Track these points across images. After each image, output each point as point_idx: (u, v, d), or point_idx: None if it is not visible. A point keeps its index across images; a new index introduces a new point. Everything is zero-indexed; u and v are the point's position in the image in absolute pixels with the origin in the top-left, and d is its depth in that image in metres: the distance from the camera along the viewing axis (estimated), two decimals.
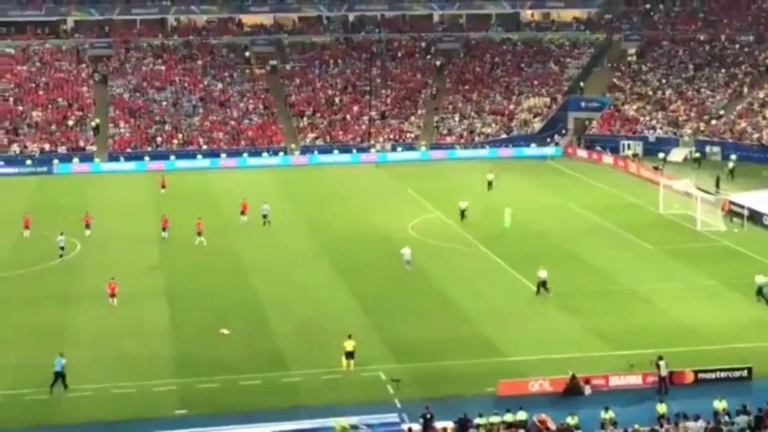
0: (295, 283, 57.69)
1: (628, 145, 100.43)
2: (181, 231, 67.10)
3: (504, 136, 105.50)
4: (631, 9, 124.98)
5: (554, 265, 59.23)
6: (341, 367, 44.07)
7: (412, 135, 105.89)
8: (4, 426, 39.71)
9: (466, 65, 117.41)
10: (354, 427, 38.41)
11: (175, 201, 79.80)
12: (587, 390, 41.98)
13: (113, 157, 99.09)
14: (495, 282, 57.32)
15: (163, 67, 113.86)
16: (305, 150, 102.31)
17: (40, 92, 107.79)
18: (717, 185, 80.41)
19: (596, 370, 43.28)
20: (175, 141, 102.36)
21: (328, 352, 45.65)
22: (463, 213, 71.05)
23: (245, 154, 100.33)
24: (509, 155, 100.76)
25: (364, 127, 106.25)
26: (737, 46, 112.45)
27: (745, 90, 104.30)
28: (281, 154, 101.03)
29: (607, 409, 38.41)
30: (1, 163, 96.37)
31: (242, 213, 72.29)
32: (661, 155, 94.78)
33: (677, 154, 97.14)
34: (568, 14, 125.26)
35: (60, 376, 42.35)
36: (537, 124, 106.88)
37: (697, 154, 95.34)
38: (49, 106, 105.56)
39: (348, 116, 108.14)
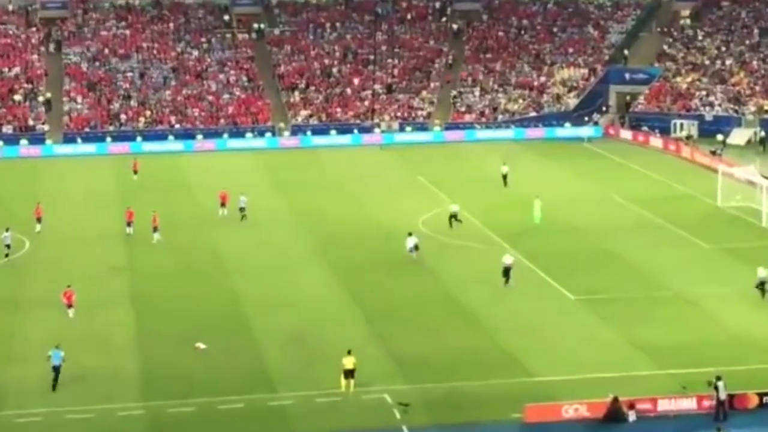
0: (285, 287, 57.73)
1: (681, 125, 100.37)
2: (149, 226, 67.14)
3: (533, 114, 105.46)
4: None
5: (592, 267, 59.22)
6: (339, 388, 44.07)
7: (424, 112, 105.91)
8: None
9: (488, 30, 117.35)
10: None
11: (143, 191, 79.82)
12: (631, 416, 41.97)
13: (69, 139, 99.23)
14: (521, 287, 57.23)
15: (128, 32, 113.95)
16: (296, 130, 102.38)
17: None
18: None
19: (642, 392, 43.25)
20: (143, 119, 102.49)
21: (323, 369, 45.64)
22: (452, 218, 68.47)
23: (225, 135, 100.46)
24: (539, 137, 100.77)
25: (366, 103, 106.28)
26: None
27: None
28: (268, 135, 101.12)
29: None
30: None
31: (222, 205, 72.32)
32: (719, 137, 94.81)
33: (739, 136, 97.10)
34: None
35: (57, 371, 43.70)
36: (572, 100, 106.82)
37: (762, 134, 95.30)
38: None
39: (348, 90, 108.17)
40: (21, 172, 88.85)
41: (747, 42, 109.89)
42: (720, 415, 41.92)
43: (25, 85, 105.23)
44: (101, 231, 68.93)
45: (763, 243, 64.86)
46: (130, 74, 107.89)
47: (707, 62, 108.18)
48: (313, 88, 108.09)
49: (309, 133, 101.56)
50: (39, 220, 68.86)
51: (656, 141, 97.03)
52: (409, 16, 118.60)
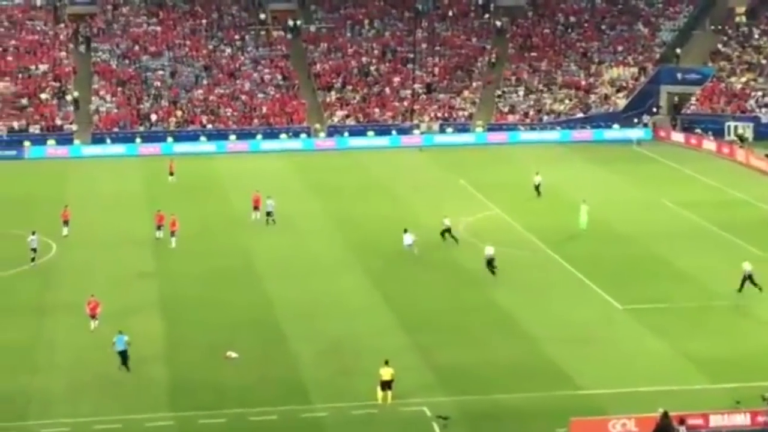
0: (320, 293, 57.81)
1: (735, 127, 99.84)
2: (179, 230, 67.39)
3: (580, 115, 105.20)
4: None
5: (641, 275, 58.89)
6: (376, 399, 44.07)
7: (465, 113, 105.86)
8: None
9: (533, 27, 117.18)
10: None
11: (174, 193, 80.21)
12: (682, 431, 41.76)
13: (97, 139, 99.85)
14: (567, 296, 57.14)
15: (159, 28, 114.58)
16: (333, 131, 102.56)
17: (9, 58, 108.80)
18: None
19: (693, 407, 43.00)
20: (173, 119, 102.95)
21: (359, 380, 45.66)
22: (445, 232, 66.95)
23: (259, 136, 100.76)
24: (586, 138, 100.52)
25: (406, 103, 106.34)
26: None
27: None
28: (303, 135, 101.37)
29: None
30: None
31: (255, 208, 72.59)
32: None
33: None
34: None
35: (124, 355, 46.10)
36: (621, 101, 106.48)
37: None
38: (20, 76, 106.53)
39: (386, 90, 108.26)
40: (48, 173, 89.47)
41: None
42: None
43: (53, 84, 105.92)
44: (130, 235, 69.27)
45: None
46: (161, 72, 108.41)
47: (763, 62, 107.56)
48: (350, 87, 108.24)
49: (346, 134, 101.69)
50: (66, 223, 69.22)
51: (709, 144, 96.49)
52: (450, 13, 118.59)
